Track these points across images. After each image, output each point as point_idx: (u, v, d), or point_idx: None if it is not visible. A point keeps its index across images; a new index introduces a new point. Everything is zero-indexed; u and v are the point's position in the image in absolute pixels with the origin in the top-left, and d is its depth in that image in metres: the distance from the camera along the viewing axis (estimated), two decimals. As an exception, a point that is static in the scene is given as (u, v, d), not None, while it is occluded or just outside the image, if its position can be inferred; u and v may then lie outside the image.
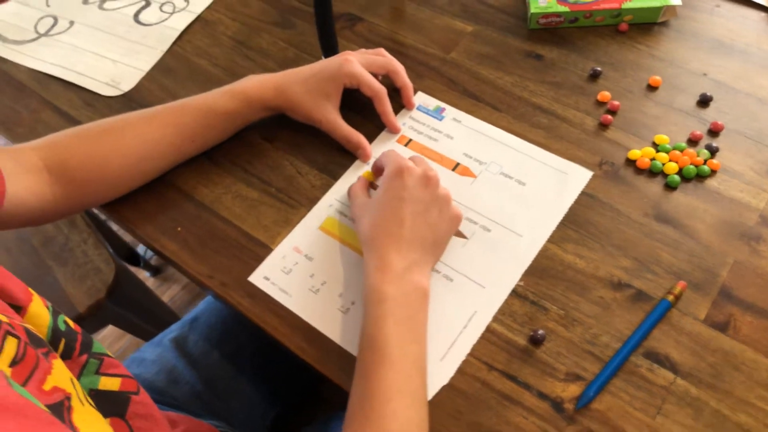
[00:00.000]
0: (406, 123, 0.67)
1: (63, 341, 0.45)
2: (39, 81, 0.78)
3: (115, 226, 1.64)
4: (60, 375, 0.37)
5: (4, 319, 0.36)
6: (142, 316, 1.10)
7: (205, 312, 0.78)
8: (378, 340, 0.48)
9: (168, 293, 1.56)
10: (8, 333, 0.35)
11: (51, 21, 0.85)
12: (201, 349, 0.73)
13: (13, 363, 0.34)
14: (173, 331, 0.77)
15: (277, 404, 0.77)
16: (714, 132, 0.63)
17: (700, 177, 0.61)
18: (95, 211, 1.25)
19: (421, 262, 0.52)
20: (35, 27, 0.84)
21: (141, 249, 1.56)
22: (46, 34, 0.83)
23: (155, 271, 1.59)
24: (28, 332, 0.38)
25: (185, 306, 1.53)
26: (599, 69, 0.69)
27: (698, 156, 0.61)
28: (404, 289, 0.50)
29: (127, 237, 1.62)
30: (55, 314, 0.45)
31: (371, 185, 0.62)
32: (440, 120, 0.67)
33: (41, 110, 0.75)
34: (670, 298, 0.53)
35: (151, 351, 0.75)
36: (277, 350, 0.76)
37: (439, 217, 0.55)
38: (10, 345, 0.35)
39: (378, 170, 0.60)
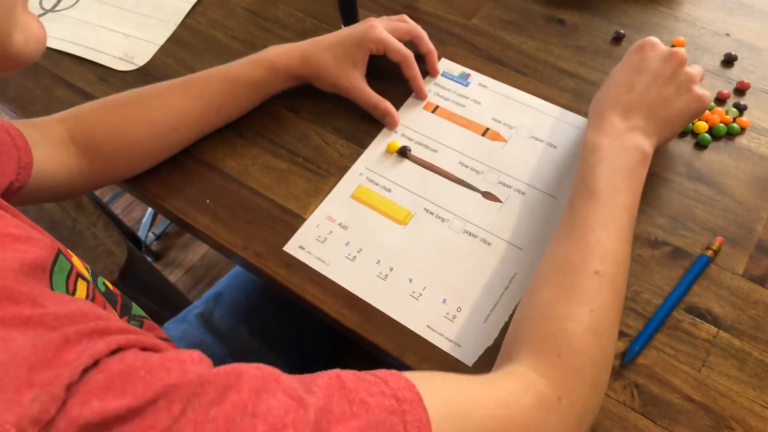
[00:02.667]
0: (431, 90, 0.67)
1: (104, 303, 0.44)
2: (50, 58, 0.76)
3: (116, 210, 1.62)
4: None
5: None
6: (154, 299, 1.08)
7: (228, 287, 0.77)
8: (589, 180, 0.49)
9: (170, 278, 1.54)
10: (78, 275, 0.35)
11: (56, -4, 0.83)
12: (228, 325, 0.73)
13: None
14: (197, 307, 0.76)
15: (304, 378, 0.77)
16: (740, 91, 0.64)
17: (730, 135, 0.61)
18: (96, 193, 1.23)
19: (647, 129, 0.52)
20: (40, 3, 0.82)
21: (142, 234, 1.55)
22: (52, 9, 0.81)
23: (157, 257, 1.57)
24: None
25: (188, 290, 1.52)
26: (623, 32, 0.69)
27: (727, 114, 0.62)
28: (622, 144, 0.50)
29: (128, 222, 1.60)
30: (94, 275, 0.45)
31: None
32: (466, 86, 0.67)
33: (54, 87, 0.73)
34: (709, 253, 0.54)
35: (175, 328, 0.74)
36: (302, 325, 0.76)
37: (677, 93, 0.54)
38: (82, 287, 0.35)
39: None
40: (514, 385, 0.40)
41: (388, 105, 0.64)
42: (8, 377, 0.24)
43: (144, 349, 0.29)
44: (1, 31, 0.35)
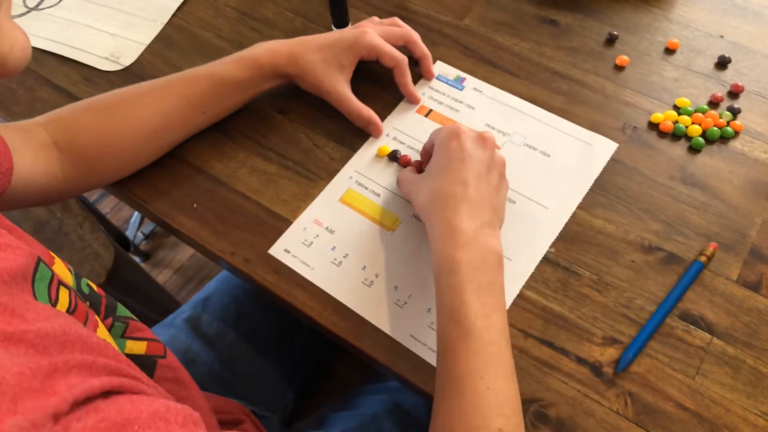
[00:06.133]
0: (425, 93, 0.66)
1: (88, 304, 0.43)
2: (33, 57, 0.73)
3: (104, 210, 1.60)
4: (103, 331, 0.37)
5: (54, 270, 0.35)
6: (142, 301, 1.07)
7: (217, 292, 0.76)
8: (459, 311, 0.44)
9: (159, 278, 1.53)
10: (60, 283, 0.34)
11: (40, -6, 0.81)
12: (216, 329, 0.72)
13: (68, 313, 0.33)
14: (185, 311, 0.75)
15: (294, 382, 0.76)
16: (734, 93, 0.63)
17: (724, 139, 0.60)
18: (84, 193, 1.22)
19: (492, 224, 0.49)
20: (24, 1, 0.80)
21: (131, 234, 1.53)
22: (36, 8, 0.79)
23: (145, 257, 1.55)
24: (72, 287, 0.37)
25: (178, 291, 1.51)
26: (616, 33, 0.68)
27: (721, 118, 0.61)
28: (479, 253, 0.46)
29: (116, 221, 1.59)
30: (77, 277, 0.44)
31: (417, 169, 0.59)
32: (461, 90, 0.66)
33: (38, 88, 0.71)
34: (703, 259, 0.53)
35: (162, 332, 0.73)
36: (292, 329, 0.75)
37: (499, 179, 0.53)
38: (64, 295, 0.34)
39: (427, 153, 0.57)
40: None
41: (371, 113, 0.62)
42: None
43: (131, 393, 0.29)
44: None
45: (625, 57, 0.66)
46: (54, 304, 0.34)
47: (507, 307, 0.52)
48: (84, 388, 0.26)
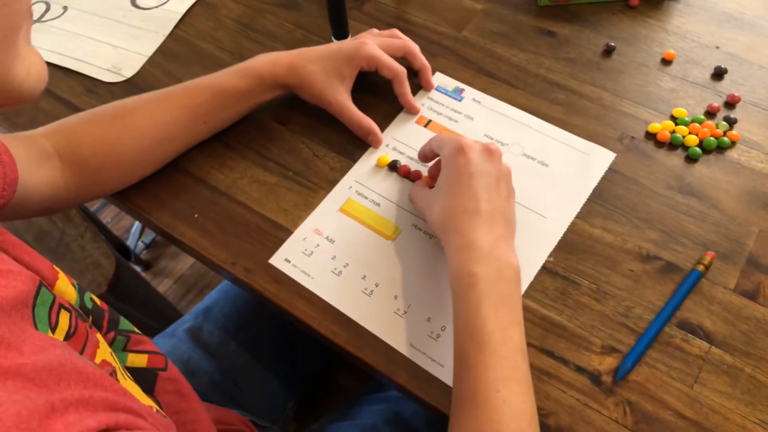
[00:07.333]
0: (425, 104, 0.66)
1: (90, 319, 0.43)
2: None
3: (105, 219, 1.60)
4: (104, 349, 0.37)
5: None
6: (143, 311, 1.07)
7: (218, 302, 0.76)
8: (476, 325, 0.44)
9: (160, 288, 1.53)
10: (61, 306, 0.34)
11: (43, 7, 0.82)
12: (217, 339, 0.72)
13: (68, 336, 0.34)
14: (186, 321, 0.75)
15: (294, 392, 0.76)
16: (731, 104, 0.64)
17: (721, 149, 0.61)
18: (85, 204, 1.22)
19: (507, 236, 0.50)
20: (27, 13, 0.81)
21: (132, 243, 1.53)
22: (39, 20, 0.80)
23: (146, 266, 1.56)
24: (73, 306, 0.37)
25: (178, 300, 1.51)
26: (613, 44, 0.69)
27: (717, 128, 0.62)
28: (496, 267, 0.47)
29: (117, 231, 1.59)
30: (81, 292, 0.44)
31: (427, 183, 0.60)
32: (459, 101, 0.66)
33: (41, 99, 0.72)
34: (700, 268, 0.54)
35: (163, 343, 0.73)
36: (293, 338, 0.75)
37: (508, 191, 0.53)
38: (64, 318, 0.34)
39: (426, 157, 0.58)
40: None
41: (371, 123, 0.63)
42: None
43: (128, 429, 0.29)
44: (2, 60, 0.34)
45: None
46: (54, 328, 0.34)
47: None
48: (81, 428, 0.26)
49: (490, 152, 0.53)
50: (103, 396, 0.30)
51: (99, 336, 0.38)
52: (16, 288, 0.31)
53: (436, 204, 0.52)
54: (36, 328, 0.32)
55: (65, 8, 0.81)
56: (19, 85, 0.36)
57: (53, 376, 0.27)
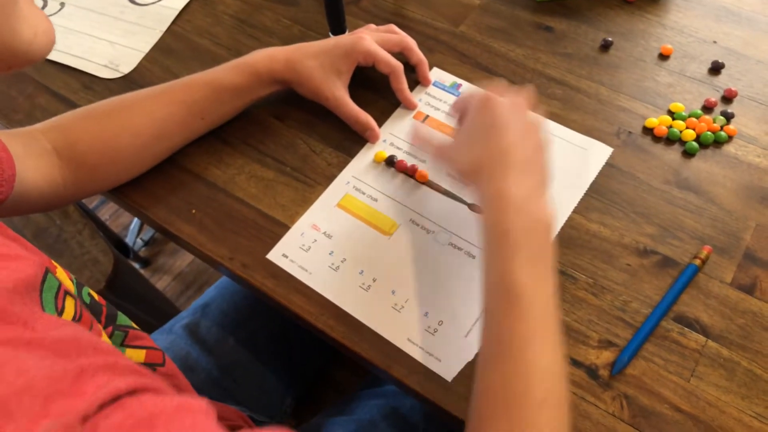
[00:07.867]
0: (422, 99, 0.66)
1: (91, 320, 0.43)
2: (33, 65, 0.75)
3: (103, 217, 1.60)
4: (106, 339, 0.37)
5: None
6: (141, 307, 1.07)
7: (216, 298, 0.76)
8: (506, 280, 0.43)
9: (159, 284, 1.53)
10: (66, 293, 0.35)
11: (40, 3, 0.82)
12: (215, 336, 0.72)
13: (74, 321, 0.34)
14: (184, 317, 0.75)
15: (292, 388, 0.76)
16: (728, 98, 0.64)
17: (718, 143, 0.61)
18: (83, 200, 1.22)
19: (540, 188, 0.48)
20: (24, 9, 0.81)
21: (130, 240, 1.53)
22: (36, 16, 0.80)
23: (145, 263, 1.56)
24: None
25: (177, 297, 1.51)
26: (610, 39, 0.69)
27: (714, 122, 0.62)
28: (528, 221, 0.45)
29: (115, 228, 1.59)
30: (78, 286, 0.44)
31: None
32: (457, 96, 0.66)
33: (38, 95, 0.72)
34: (697, 262, 0.54)
35: (161, 339, 0.73)
36: (291, 334, 0.75)
37: (538, 142, 0.51)
38: (70, 304, 0.34)
39: (461, 111, 0.55)
40: None
41: (368, 118, 0.63)
42: (23, 407, 0.24)
43: (155, 391, 0.30)
44: (6, 24, 0.33)
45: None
46: (60, 313, 0.35)
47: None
48: (111, 388, 0.27)
49: (516, 106, 0.51)
50: (125, 363, 0.30)
51: (100, 327, 0.39)
52: (25, 272, 0.31)
53: (461, 154, 0.51)
54: (44, 311, 0.32)
55: (62, 4, 0.81)
56: (27, 48, 0.35)
57: (73, 347, 0.28)
